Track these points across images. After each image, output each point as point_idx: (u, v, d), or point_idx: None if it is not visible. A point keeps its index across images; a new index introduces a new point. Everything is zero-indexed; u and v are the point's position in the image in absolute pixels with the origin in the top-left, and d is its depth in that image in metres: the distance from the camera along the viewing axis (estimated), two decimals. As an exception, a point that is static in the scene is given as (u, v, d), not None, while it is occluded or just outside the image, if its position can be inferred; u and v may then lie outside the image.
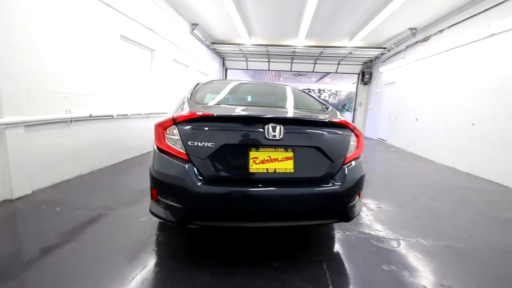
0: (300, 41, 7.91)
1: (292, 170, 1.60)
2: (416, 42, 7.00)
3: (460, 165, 4.99)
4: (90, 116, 3.58)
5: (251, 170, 1.56)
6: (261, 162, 1.58)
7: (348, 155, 1.72)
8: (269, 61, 10.46)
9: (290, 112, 1.83)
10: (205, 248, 1.90)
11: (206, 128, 1.57)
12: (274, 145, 1.59)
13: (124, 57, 4.43)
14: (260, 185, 1.55)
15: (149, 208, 1.70)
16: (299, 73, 15.98)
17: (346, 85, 19.89)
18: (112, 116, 4.06)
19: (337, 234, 2.17)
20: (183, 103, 1.89)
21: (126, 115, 4.42)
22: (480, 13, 4.69)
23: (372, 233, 2.22)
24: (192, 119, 1.56)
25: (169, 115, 1.71)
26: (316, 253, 1.86)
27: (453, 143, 5.28)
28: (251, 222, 1.60)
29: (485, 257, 1.94)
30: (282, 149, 1.61)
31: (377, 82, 9.86)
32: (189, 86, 7.63)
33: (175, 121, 1.59)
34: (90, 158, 3.70)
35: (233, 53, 9.74)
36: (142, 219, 2.29)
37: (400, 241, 2.11)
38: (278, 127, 1.57)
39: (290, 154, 1.61)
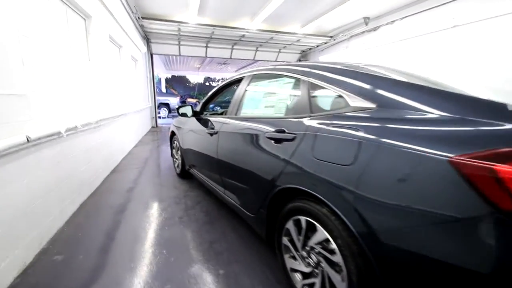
0: (255, 24, 6.98)
1: None
2: (363, 32, 7.41)
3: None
4: (28, 141, 1.70)
5: None
6: None
7: None
8: (207, 47, 8.99)
9: None
10: None
11: None
12: None
13: (56, 26, 2.43)
14: None
15: None
16: (224, 62, 14.91)
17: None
18: (59, 133, 2.15)
19: None
20: None
21: (75, 128, 2.50)
22: (443, 4, 5.18)
23: None
24: None
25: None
26: None
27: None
28: None
29: None
30: None
31: (315, 70, 10.17)
32: (123, 75, 5.43)
33: None
34: (29, 232, 1.81)
35: (164, 33, 7.71)
36: None
37: None
38: None
39: None
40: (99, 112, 3.33)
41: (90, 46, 3.37)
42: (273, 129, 1.48)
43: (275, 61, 10.37)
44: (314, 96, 1.37)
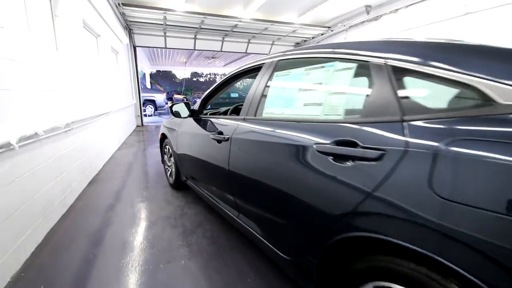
0: (248, 13, 6.40)
1: None
2: (363, 21, 7.00)
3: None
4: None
5: None
6: None
7: None
8: (195, 38, 8.31)
9: None
10: None
11: None
12: None
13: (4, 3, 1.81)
14: None
15: None
16: (212, 56, 14.19)
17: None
18: (8, 145, 1.57)
19: None
20: None
21: (36, 135, 1.90)
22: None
23: None
24: None
25: None
26: None
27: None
28: None
29: None
30: None
31: (310, 64, 9.73)
32: (103, 69, 4.71)
33: None
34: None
35: (149, 23, 6.98)
36: None
37: None
38: None
39: None
40: (71, 113, 2.71)
41: (58, 32, 2.74)
42: (328, 140, 0.97)
43: (268, 54, 9.83)
44: (405, 89, 0.86)
